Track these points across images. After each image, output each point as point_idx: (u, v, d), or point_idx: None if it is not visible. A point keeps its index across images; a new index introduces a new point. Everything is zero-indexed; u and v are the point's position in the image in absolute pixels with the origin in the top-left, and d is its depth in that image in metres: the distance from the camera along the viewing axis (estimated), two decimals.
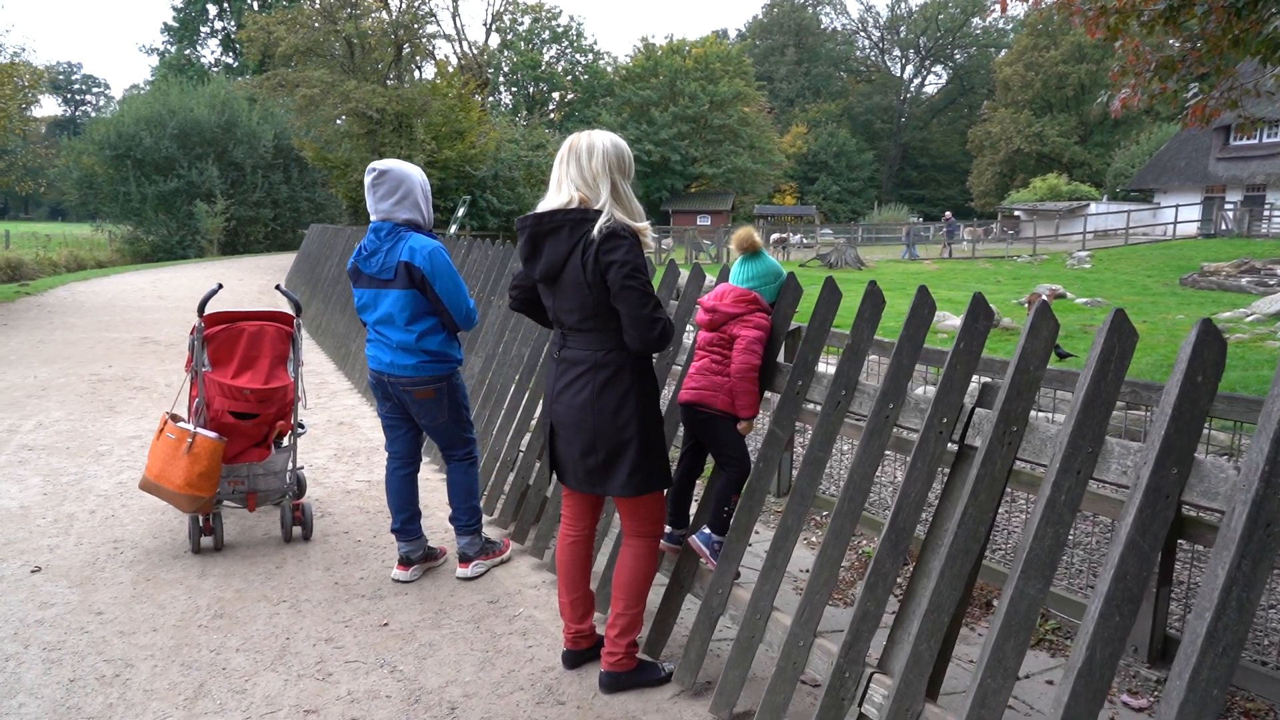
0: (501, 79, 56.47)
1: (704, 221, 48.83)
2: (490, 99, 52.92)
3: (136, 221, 33.34)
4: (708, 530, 2.98)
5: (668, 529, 3.16)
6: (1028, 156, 55.62)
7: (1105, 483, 2.15)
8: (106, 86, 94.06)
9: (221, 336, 3.89)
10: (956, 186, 67.28)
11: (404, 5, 24.98)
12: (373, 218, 3.56)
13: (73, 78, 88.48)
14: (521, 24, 56.17)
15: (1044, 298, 13.89)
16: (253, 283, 18.30)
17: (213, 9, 48.54)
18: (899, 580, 3.62)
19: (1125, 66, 5.71)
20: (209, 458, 3.79)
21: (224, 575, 3.78)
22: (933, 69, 78.47)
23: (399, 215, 3.52)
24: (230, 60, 47.52)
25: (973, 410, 2.38)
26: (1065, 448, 2.06)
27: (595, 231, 2.57)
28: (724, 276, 3.19)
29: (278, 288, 4.22)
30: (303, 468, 4.68)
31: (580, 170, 2.65)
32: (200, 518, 3.99)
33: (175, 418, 3.94)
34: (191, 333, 3.91)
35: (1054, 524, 2.06)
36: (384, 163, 3.54)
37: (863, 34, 79.95)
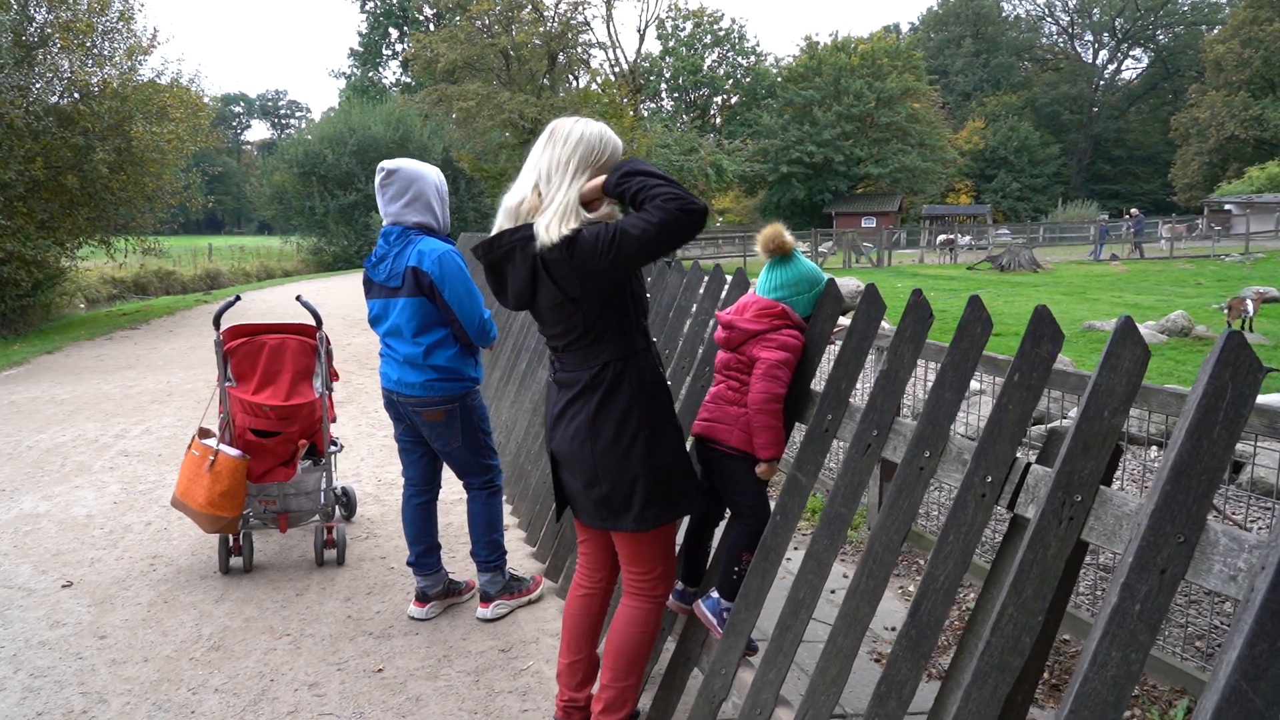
0: (663, 85, 56.69)
1: (869, 224, 46.74)
2: (650, 105, 53.29)
3: (320, 233, 35.83)
4: (715, 595, 2.44)
5: (679, 585, 2.64)
6: (1243, 144, 49.53)
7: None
8: (307, 110, 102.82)
9: (242, 350, 3.71)
10: (1157, 180, 61.05)
11: (557, 16, 25.41)
12: (384, 221, 3.25)
13: (279, 104, 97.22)
14: (683, 29, 56.20)
15: (1249, 301, 12.03)
16: None
17: (394, 33, 51.71)
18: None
19: None
20: (231, 476, 3.62)
21: (241, 600, 3.59)
22: (1130, 52, 71.72)
23: (409, 218, 3.19)
24: (409, 80, 50.38)
25: (1027, 468, 1.73)
26: (1144, 533, 1.40)
27: (540, 245, 2.13)
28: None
29: (298, 298, 4.02)
30: (338, 486, 4.48)
31: (552, 157, 2.20)
32: (230, 538, 3.84)
33: (205, 433, 3.82)
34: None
35: (1123, 646, 1.40)
36: (394, 161, 3.22)
37: (1049, 19, 74.27)
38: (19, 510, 4.69)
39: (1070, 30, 73.43)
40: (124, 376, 8.72)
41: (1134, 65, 73.33)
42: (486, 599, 3.44)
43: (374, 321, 3.34)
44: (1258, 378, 1.38)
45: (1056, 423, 5.72)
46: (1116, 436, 1.58)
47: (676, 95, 58.00)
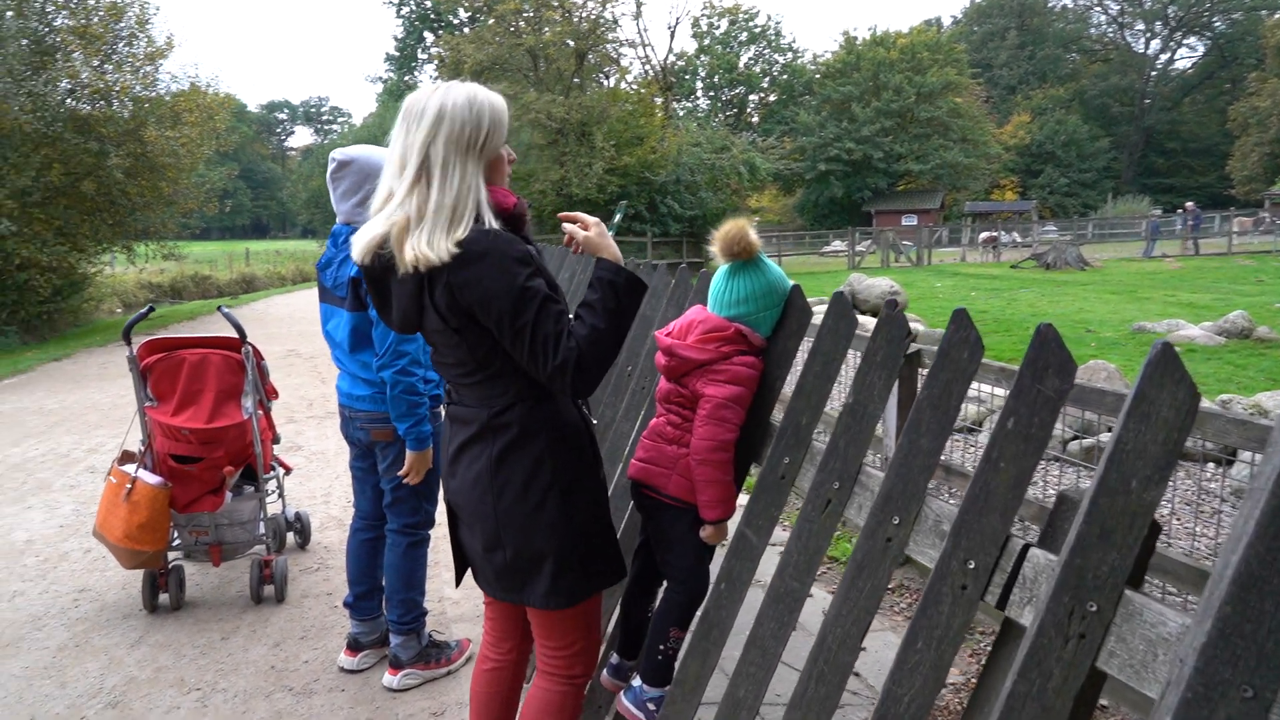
0: (699, 83, 56.02)
1: (909, 221, 45.63)
2: (685, 104, 52.71)
3: None
4: (639, 683, 1.97)
5: (614, 659, 2.18)
6: None
7: None
8: (349, 116, 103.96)
9: (160, 367, 3.33)
10: (1213, 173, 58.74)
11: (585, 15, 25.07)
12: (337, 219, 2.84)
13: (321, 110, 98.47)
14: (718, 27, 55.50)
15: None
16: None
17: (429, 37, 51.82)
18: None
19: None
20: (150, 506, 3.24)
21: (158, 645, 3.21)
22: (1185, 41, 69.18)
23: (361, 219, 2.74)
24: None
25: (1024, 551, 1.24)
26: (1190, 678, 0.92)
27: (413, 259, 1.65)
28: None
29: (219, 309, 3.64)
30: (290, 511, 4.09)
31: (403, 150, 1.74)
32: (155, 573, 3.46)
33: (126, 457, 3.45)
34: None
35: None
36: (348, 150, 2.77)
37: (1098, 9, 72.00)
38: None
39: (1120, 20, 71.23)
40: (120, 385, 8.50)
41: (1189, 54, 70.97)
42: (396, 665, 2.96)
43: (325, 329, 2.94)
44: None
45: (1098, 437, 5.10)
46: (1151, 515, 1.09)
47: (712, 94, 57.34)
